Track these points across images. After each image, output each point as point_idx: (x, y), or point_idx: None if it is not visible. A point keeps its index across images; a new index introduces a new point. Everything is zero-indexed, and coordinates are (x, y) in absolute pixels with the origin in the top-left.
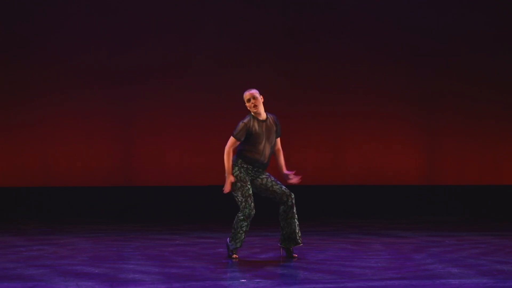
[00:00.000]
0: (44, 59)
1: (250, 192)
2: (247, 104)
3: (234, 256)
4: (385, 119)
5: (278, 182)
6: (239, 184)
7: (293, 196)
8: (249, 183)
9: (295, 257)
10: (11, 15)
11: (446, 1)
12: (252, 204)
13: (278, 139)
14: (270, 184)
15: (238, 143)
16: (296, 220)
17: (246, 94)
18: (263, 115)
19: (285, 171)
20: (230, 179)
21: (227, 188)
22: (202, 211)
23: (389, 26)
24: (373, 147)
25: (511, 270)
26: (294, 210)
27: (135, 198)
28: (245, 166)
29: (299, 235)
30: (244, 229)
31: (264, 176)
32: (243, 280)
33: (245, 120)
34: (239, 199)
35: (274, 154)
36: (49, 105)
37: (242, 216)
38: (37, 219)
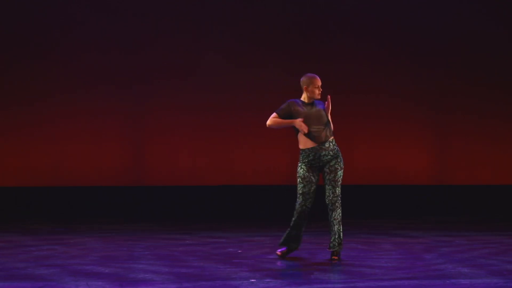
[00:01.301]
0: (56, 58)
1: (305, 190)
2: (310, 89)
3: (277, 251)
4: (395, 119)
5: (332, 183)
6: (298, 180)
7: (333, 201)
8: (307, 179)
9: (334, 259)
10: (20, 14)
11: (456, 1)
12: (303, 202)
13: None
14: (325, 182)
15: (276, 118)
16: (334, 221)
17: (316, 80)
18: (311, 101)
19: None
20: (295, 123)
21: (301, 128)
22: (212, 211)
23: (401, 26)
24: (382, 147)
25: None
26: (333, 215)
27: (145, 198)
28: (306, 159)
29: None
30: (291, 224)
31: (332, 168)
32: (252, 280)
33: (289, 101)
34: (297, 194)
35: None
36: (59, 105)
37: (295, 211)
38: (47, 219)
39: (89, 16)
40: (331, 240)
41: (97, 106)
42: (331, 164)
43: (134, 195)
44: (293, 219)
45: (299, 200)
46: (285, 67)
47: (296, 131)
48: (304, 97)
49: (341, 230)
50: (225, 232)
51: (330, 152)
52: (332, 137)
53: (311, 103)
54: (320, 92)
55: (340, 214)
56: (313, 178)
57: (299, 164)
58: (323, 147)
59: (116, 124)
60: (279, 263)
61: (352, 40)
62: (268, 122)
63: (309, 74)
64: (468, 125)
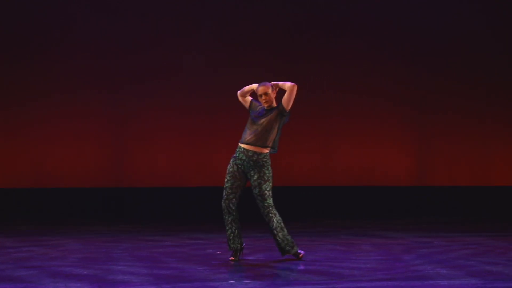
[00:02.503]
0: (35, 62)
1: (228, 184)
2: (259, 99)
3: (230, 258)
4: (376, 120)
5: (262, 197)
6: (225, 176)
7: (266, 215)
8: (232, 175)
9: (300, 256)
10: (5, 18)
11: (442, 2)
12: (225, 196)
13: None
14: (254, 196)
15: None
16: (273, 235)
17: (259, 89)
18: (272, 107)
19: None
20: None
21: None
22: (192, 213)
23: (381, 27)
24: (363, 148)
25: (500, 271)
26: (272, 226)
27: (126, 200)
28: (236, 155)
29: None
30: (224, 223)
31: (255, 183)
32: (232, 282)
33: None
34: None
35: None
36: (41, 107)
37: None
38: (26, 221)
39: (72, 20)
40: (282, 247)
41: (77, 109)
42: (254, 178)
43: (114, 197)
44: (224, 217)
45: (223, 195)
46: (272, 68)
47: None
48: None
49: (286, 234)
50: (205, 233)
51: (251, 162)
52: (264, 150)
53: (269, 109)
54: (266, 99)
55: (278, 221)
56: (237, 175)
57: (231, 160)
58: (248, 153)
59: (96, 126)
60: (258, 264)
61: (334, 40)
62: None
63: (259, 85)
64: (448, 126)
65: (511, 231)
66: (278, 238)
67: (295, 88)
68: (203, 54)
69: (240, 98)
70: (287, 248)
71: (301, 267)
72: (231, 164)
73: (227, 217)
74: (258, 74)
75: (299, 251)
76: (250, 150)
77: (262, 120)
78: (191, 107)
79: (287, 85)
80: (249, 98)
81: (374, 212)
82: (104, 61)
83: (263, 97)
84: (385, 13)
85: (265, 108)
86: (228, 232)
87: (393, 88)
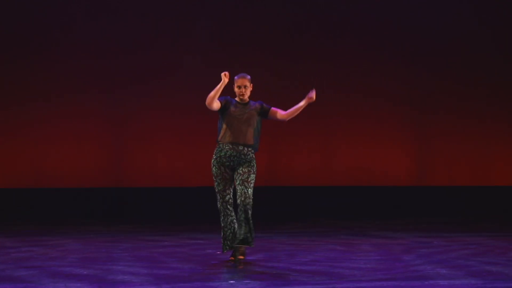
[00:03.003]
0: (35, 62)
1: (220, 188)
2: (235, 89)
3: (231, 258)
4: (376, 120)
5: (245, 183)
6: (213, 178)
7: (246, 204)
8: (221, 177)
9: (240, 258)
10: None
11: (442, 2)
12: (221, 199)
13: (276, 111)
14: (238, 182)
15: (214, 103)
16: (244, 224)
17: (238, 80)
18: (246, 101)
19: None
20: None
21: (223, 76)
22: (192, 213)
23: (381, 27)
24: (363, 148)
25: (500, 271)
26: (247, 216)
27: (126, 200)
28: (218, 155)
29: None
30: (222, 225)
31: (245, 169)
32: (232, 281)
33: (229, 96)
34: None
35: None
36: (40, 108)
37: (219, 210)
38: (26, 221)
39: (70, 20)
40: (244, 237)
41: (77, 109)
42: (244, 165)
43: (114, 197)
44: (221, 219)
45: (218, 198)
46: (270, 67)
47: (219, 125)
48: (237, 97)
49: (252, 229)
50: (204, 233)
51: (242, 156)
52: (251, 145)
53: (246, 103)
54: (243, 91)
55: (251, 215)
56: (226, 175)
57: (212, 161)
58: (238, 148)
59: (96, 126)
60: (258, 264)
61: (334, 40)
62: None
63: (239, 74)
64: (448, 126)
65: (511, 231)
66: (245, 227)
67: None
68: (202, 54)
69: (213, 104)
70: (249, 240)
71: (301, 267)
72: (217, 166)
73: (226, 219)
74: (258, 74)
75: (241, 256)
76: (240, 144)
77: (244, 116)
78: (191, 107)
79: (301, 106)
80: (224, 101)
81: (374, 212)
82: (104, 61)
83: (242, 88)
84: (385, 13)
85: (240, 101)
86: (228, 233)
87: (393, 88)
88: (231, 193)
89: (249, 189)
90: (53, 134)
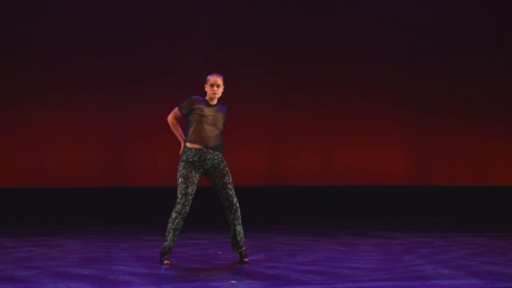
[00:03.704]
0: (35, 62)
1: (189, 191)
2: (207, 88)
3: (166, 262)
4: (376, 120)
5: (228, 185)
6: (180, 180)
7: (236, 205)
8: (191, 180)
9: (246, 261)
10: (5, 18)
11: (442, 2)
12: (187, 202)
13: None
14: (220, 187)
15: (179, 115)
16: (240, 226)
17: (211, 78)
18: (215, 102)
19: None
20: (182, 144)
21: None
22: (192, 213)
23: (381, 27)
24: (364, 148)
25: (500, 271)
26: (236, 215)
27: (126, 200)
28: (190, 159)
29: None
30: (174, 227)
31: (223, 171)
32: (233, 282)
33: (193, 96)
34: (177, 194)
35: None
36: (41, 107)
37: (174, 213)
38: (26, 221)
39: (71, 20)
40: (238, 240)
41: (78, 109)
42: (220, 168)
43: (114, 197)
44: (176, 221)
45: (182, 201)
46: (270, 68)
47: (187, 125)
48: (207, 96)
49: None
50: (206, 233)
51: (215, 157)
52: (221, 149)
53: (215, 105)
54: (216, 90)
55: (240, 214)
56: (195, 179)
57: (182, 164)
58: (210, 151)
59: (96, 126)
60: (259, 264)
61: (333, 41)
62: (169, 118)
63: (211, 74)
64: (448, 126)
65: (511, 231)
66: (237, 229)
67: None
68: (202, 54)
69: (175, 121)
70: (241, 243)
71: (302, 267)
72: (187, 169)
73: (178, 226)
74: (258, 74)
75: (246, 259)
76: (211, 148)
77: (215, 118)
78: None
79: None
80: (189, 105)
81: (374, 212)
82: (104, 61)
83: (215, 88)
84: (385, 13)
85: (210, 101)
86: (174, 235)
87: (393, 88)
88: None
89: (232, 189)
90: (53, 134)
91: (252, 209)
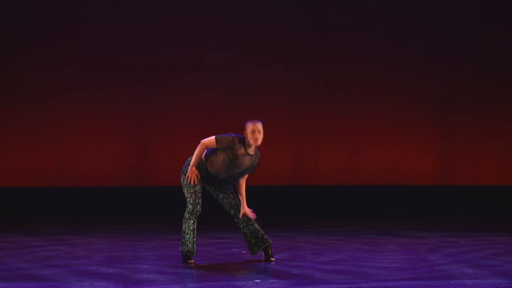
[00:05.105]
0: (60, 58)
1: (197, 188)
2: (249, 135)
3: (190, 261)
4: (400, 120)
5: (230, 195)
6: (185, 182)
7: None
8: (197, 182)
9: (272, 260)
10: (29, 14)
11: (463, 2)
12: (197, 200)
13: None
14: (221, 196)
15: (214, 146)
16: (253, 223)
17: (251, 126)
18: (253, 150)
19: (245, 206)
20: (192, 170)
21: (189, 178)
22: (217, 212)
23: (405, 26)
24: (388, 147)
25: None
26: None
27: (150, 198)
28: (206, 174)
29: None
30: (191, 228)
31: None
32: (257, 281)
33: (234, 135)
34: (186, 196)
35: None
36: (65, 105)
37: (186, 214)
38: (52, 220)
39: (93, 18)
40: (257, 239)
41: (101, 107)
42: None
43: (139, 196)
44: (191, 222)
45: (192, 200)
46: (294, 66)
47: (213, 150)
48: (247, 141)
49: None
50: (230, 232)
51: (221, 188)
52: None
53: (253, 154)
54: (258, 137)
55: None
56: (199, 176)
57: (186, 167)
58: (218, 180)
59: (121, 124)
60: (283, 263)
61: (358, 40)
62: (203, 144)
63: (251, 121)
64: (473, 125)
65: None
66: (252, 228)
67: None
68: (227, 52)
69: (204, 150)
70: (263, 239)
71: (327, 267)
72: (199, 178)
73: (192, 221)
74: (282, 73)
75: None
76: (224, 186)
77: (244, 168)
78: (216, 105)
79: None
80: (227, 143)
81: (399, 212)
82: (129, 59)
83: (256, 134)
84: (411, 14)
85: (249, 149)
86: (192, 236)
87: (418, 88)
88: None
89: (236, 198)
90: (77, 132)
91: (277, 208)
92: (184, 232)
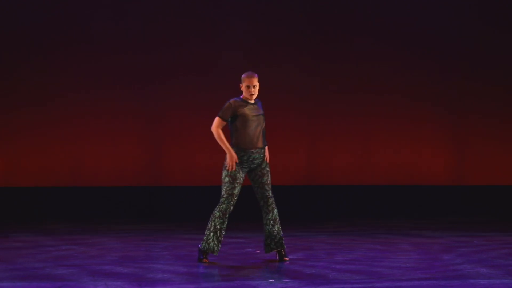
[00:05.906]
0: (71, 57)
1: (236, 191)
2: (243, 88)
3: (204, 260)
4: (414, 120)
5: (265, 186)
6: (227, 179)
7: (270, 203)
8: (238, 181)
9: (286, 260)
10: (35, 12)
11: (480, 4)
12: (233, 202)
13: None
14: (257, 185)
15: (224, 123)
16: (276, 224)
17: (246, 79)
18: (253, 101)
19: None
20: (230, 155)
21: (229, 166)
22: (231, 211)
23: (418, 27)
24: (401, 147)
25: None
26: (272, 216)
27: (164, 198)
28: (239, 160)
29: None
30: (218, 227)
31: (263, 170)
32: (271, 280)
33: (231, 100)
34: (222, 193)
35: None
36: (76, 105)
37: (217, 212)
38: (65, 219)
39: (105, 16)
40: (277, 240)
41: (114, 106)
42: (262, 166)
43: (152, 195)
44: (221, 221)
45: (227, 200)
46: (307, 66)
47: (232, 130)
48: (243, 96)
49: (281, 229)
50: (244, 232)
51: (261, 155)
52: (265, 146)
53: (254, 102)
54: (253, 91)
55: (276, 213)
56: (241, 180)
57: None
58: (259, 151)
59: (134, 124)
60: (297, 263)
61: (370, 40)
62: (213, 128)
63: (247, 73)
64: (486, 126)
65: None
66: (273, 229)
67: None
68: (240, 51)
69: (220, 131)
70: (280, 243)
71: (341, 266)
72: (239, 172)
73: (222, 221)
74: (295, 72)
75: (286, 258)
76: (262, 148)
77: (258, 117)
78: None
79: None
80: (231, 110)
81: (412, 212)
82: (142, 58)
83: (251, 89)
84: (424, 15)
85: (251, 101)
86: (219, 235)
87: (431, 89)
88: None
89: (270, 190)
90: (90, 132)
91: (291, 208)
92: (209, 230)
